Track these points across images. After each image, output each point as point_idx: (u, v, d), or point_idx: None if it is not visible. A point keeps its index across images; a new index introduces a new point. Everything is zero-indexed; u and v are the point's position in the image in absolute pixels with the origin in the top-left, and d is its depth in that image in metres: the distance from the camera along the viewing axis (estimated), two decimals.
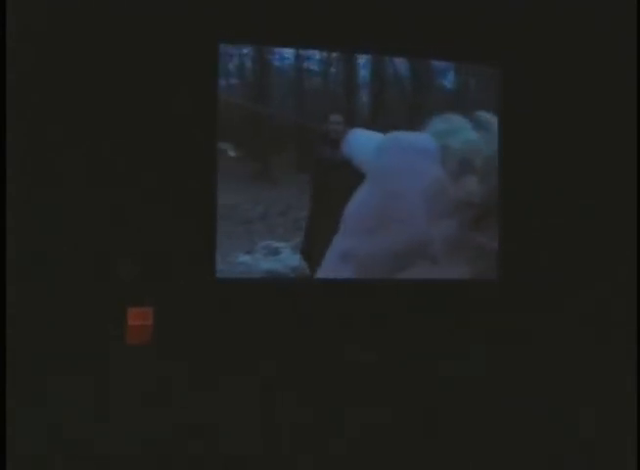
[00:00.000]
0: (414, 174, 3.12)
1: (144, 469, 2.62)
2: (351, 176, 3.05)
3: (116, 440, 2.61)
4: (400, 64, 3.16)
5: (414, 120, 3.14)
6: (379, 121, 3.11)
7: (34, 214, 2.61)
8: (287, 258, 2.97)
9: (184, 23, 2.79)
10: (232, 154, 2.91)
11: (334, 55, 3.08)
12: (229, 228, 2.89)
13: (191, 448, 2.69)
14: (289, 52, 3.02)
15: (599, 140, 3.27)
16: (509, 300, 3.13)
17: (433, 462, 2.89)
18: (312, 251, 3.00)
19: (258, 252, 2.94)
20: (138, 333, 2.70)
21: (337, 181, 3.04)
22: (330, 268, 2.99)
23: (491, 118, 3.24)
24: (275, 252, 2.96)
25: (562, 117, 3.24)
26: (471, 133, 3.21)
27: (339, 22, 2.97)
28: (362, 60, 3.10)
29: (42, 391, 2.56)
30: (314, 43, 3.01)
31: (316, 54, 3.06)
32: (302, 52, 3.03)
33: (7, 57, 2.33)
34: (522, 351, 3.10)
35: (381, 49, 3.08)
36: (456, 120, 3.19)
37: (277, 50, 3.01)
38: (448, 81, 3.25)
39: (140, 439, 2.63)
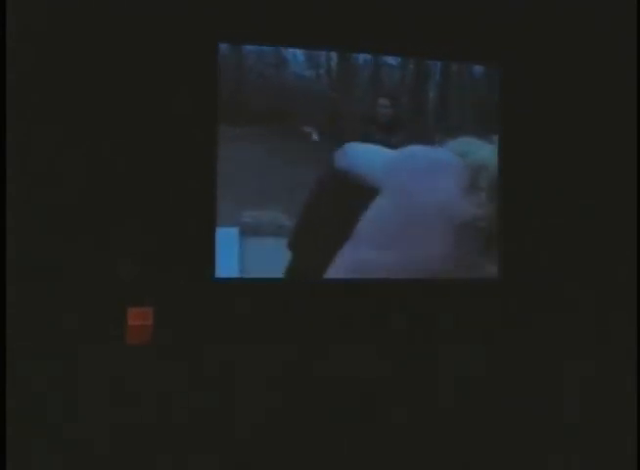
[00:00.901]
0: (432, 191, 3.10)
1: (144, 469, 2.63)
2: (364, 189, 3.04)
3: (116, 440, 2.61)
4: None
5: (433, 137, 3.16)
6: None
7: (34, 214, 2.61)
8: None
9: (184, 23, 2.79)
10: (316, 138, 3.00)
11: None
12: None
13: (191, 448, 2.69)
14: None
15: (599, 140, 3.27)
16: (509, 300, 3.13)
17: (433, 462, 2.89)
18: (302, 248, 2.97)
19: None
20: (138, 333, 2.70)
21: (349, 192, 3.02)
22: (338, 275, 2.98)
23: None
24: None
25: (562, 118, 3.24)
26: (486, 151, 3.22)
27: (338, 21, 2.97)
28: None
29: (42, 391, 2.56)
30: (314, 43, 3.01)
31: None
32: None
33: (7, 57, 2.34)
34: (522, 350, 3.10)
35: (380, 49, 3.08)
36: (474, 143, 3.21)
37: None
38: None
39: (140, 439, 2.63)
